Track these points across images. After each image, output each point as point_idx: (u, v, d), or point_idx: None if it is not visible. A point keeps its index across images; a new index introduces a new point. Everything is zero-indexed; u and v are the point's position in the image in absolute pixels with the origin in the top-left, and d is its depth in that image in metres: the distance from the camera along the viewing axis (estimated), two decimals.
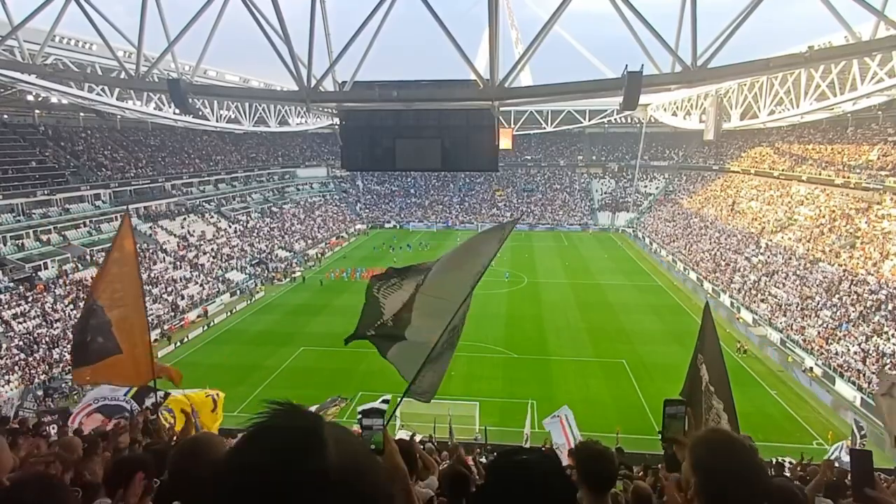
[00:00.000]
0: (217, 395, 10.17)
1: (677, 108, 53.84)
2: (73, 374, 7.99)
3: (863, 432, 16.37)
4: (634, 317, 33.88)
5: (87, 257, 36.55)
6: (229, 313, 36.66)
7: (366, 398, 20.55)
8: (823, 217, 40.00)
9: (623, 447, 11.57)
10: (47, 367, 25.95)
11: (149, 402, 7.84)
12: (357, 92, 13.21)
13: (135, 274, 6.05)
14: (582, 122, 63.77)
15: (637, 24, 12.01)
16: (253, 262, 46.66)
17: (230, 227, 52.28)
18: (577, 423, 12.76)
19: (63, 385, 25.07)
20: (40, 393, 24.29)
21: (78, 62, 30.70)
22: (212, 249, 45.63)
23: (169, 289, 36.80)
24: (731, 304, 36.71)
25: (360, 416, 2.71)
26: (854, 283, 30.53)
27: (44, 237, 36.28)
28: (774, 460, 12.35)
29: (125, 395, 8.18)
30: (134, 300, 6.05)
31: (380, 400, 11.65)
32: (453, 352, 4.08)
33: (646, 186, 71.57)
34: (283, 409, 0.76)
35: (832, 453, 16.22)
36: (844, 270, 32.24)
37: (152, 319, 30.19)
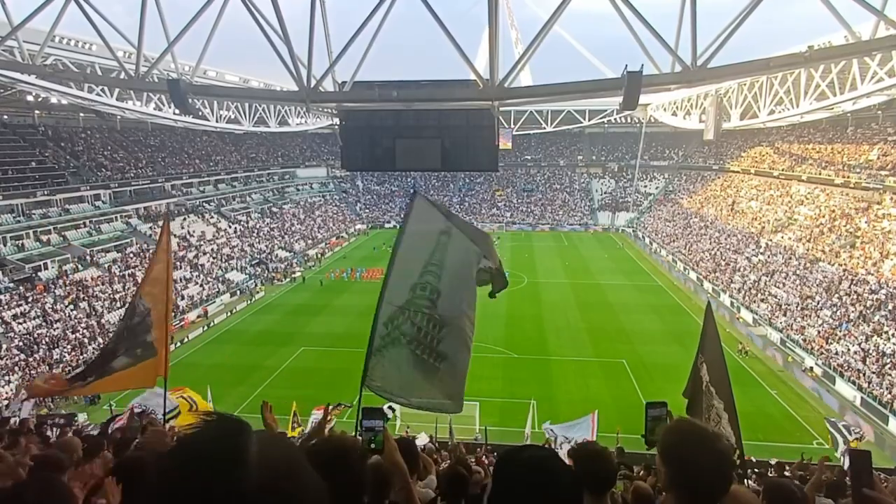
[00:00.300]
0: (185, 395, 10.21)
1: (677, 107, 53.82)
2: (81, 391, 7.73)
3: (859, 433, 16.29)
4: (634, 317, 33.88)
5: (87, 258, 36.55)
6: (229, 313, 36.67)
7: (366, 399, 20.55)
8: (823, 217, 39.98)
9: (623, 447, 11.56)
10: (47, 367, 25.92)
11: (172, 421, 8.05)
12: (357, 92, 13.20)
13: (165, 275, 6.26)
14: (582, 122, 63.77)
15: (637, 24, 12.00)
16: (253, 263, 46.67)
17: (230, 227, 52.27)
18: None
19: None
20: None
21: (78, 62, 30.68)
22: (212, 250, 45.62)
23: None
24: (731, 303, 36.69)
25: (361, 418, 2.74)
26: (854, 282, 30.52)
27: (44, 237, 36.24)
28: (774, 460, 12.38)
29: (162, 415, 8.33)
30: (163, 299, 6.24)
31: (386, 405, 11.62)
32: (417, 353, 4.27)
33: (646, 186, 71.55)
34: (211, 420, 0.77)
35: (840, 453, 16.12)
36: (844, 270, 32.22)
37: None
